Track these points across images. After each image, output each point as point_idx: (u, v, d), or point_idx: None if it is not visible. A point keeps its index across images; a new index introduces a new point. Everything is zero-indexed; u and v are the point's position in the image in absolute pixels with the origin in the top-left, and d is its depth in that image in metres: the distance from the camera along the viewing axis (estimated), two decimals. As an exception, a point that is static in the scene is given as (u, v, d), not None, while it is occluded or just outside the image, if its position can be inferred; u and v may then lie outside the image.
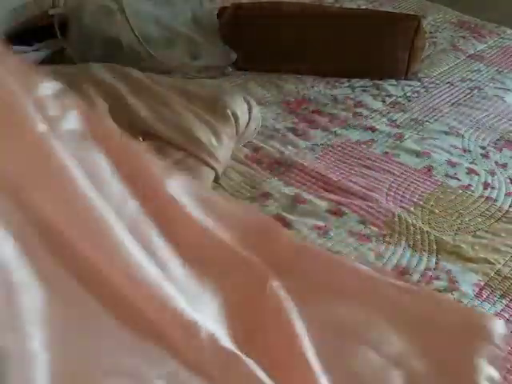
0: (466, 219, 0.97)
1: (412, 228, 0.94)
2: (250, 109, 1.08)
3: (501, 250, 0.91)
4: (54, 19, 1.29)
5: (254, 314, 0.74)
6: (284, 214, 0.95)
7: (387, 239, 0.92)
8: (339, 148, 1.11)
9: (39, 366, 0.58)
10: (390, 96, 1.31)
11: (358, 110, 1.25)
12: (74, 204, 0.65)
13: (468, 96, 1.34)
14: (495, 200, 1.00)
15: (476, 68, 1.47)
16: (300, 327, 0.73)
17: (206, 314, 0.70)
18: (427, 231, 0.93)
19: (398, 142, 1.15)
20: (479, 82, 1.40)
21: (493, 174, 1.07)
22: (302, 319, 0.73)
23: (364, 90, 1.33)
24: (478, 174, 1.06)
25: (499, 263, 0.89)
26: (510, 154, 1.14)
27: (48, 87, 0.73)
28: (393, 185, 1.01)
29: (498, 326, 0.76)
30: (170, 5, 1.42)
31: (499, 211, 0.99)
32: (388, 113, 1.25)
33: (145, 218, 0.73)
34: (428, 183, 1.03)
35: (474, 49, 1.56)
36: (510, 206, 0.99)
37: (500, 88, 1.38)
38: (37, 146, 0.65)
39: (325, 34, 1.34)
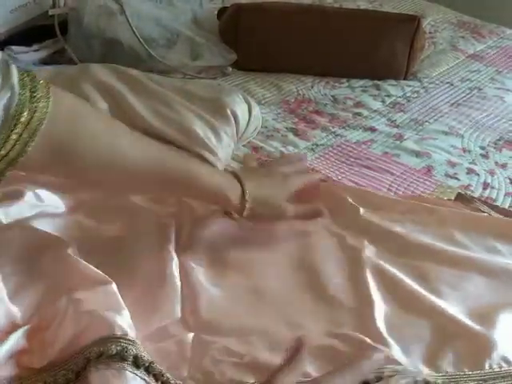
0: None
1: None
2: (250, 109, 1.08)
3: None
4: (54, 19, 1.29)
5: None
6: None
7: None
8: (339, 148, 1.11)
9: None
10: (389, 96, 1.32)
11: (358, 110, 1.25)
12: None
13: (468, 96, 1.34)
14: (495, 200, 1.00)
15: (476, 68, 1.47)
16: None
17: None
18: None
19: (398, 142, 1.15)
20: (479, 82, 1.40)
21: (492, 174, 1.07)
22: None
23: (364, 90, 1.33)
24: (477, 174, 1.06)
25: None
26: (509, 154, 1.14)
27: None
28: (393, 185, 1.01)
29: None
30: (171, 5, 1.42)
31: (499, 211, 0.99)
32: (388, 113, 1.25)
33: None
34: (428, 183, 1.03)
35: (474, 49, 1.56)
36: (509, 206, 0.99)
37: (500, 88, 1.38)
38: None
39: (324, 34, 1.34)
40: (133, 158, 0.70)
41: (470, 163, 1.10)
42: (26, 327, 0.64)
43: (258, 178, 0.83)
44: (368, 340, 0.67)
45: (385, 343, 0.67)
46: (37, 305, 0.68)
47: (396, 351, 0.67)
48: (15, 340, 0.61)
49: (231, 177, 0.80)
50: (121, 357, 0.57)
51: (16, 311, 0.67)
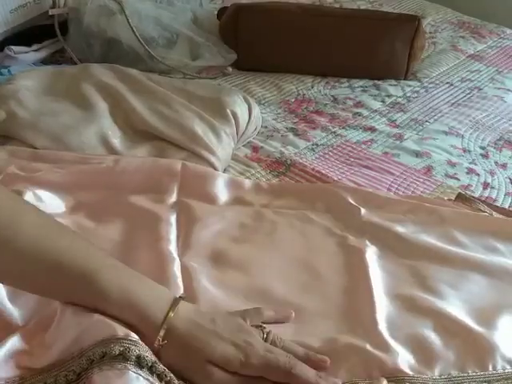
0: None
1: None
2: (250, 109, 1.08)
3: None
4: (54, 19, 1.29)
5: None
6: (284, 213, 0.94)
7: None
8: (339, 148, 1.11)
9: None
10: (389, 96, 1.32)
11: (358, 110, 1.25)
12: None
13: (468, 96, 1.34)
14: (495, 200, 1.00)
15: (476, 68, 1.47)
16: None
17: None
18: (427, 231, 0.93)
19: (398, 142, 1.15)
20: (479, 82, 1.40)
21: (493, 174, 1.07)
22: None
23: (364, 90, 1.33)
24: (477, 174, 1.06)
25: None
26: (509, 154, 1.14)
27: None
28: (393, 185, 1.01)
29: None
30: (171, 5, 1.42)
31: (499, 211, 0.99)
32: (388, 113, 1.25)
33: None
34: (428, 183, 1.03)
35: (474, 49, 1.57)
36: (509, 206, 0.99)
37: (500, 88, 1.38)
38: None
39: (325, 34, 1.34)
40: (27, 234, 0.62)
41: (470, 163, 1.10)
42: (24, 328, 0.64)
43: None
44: (369, 347, 0.66)
45: (387, 345, 0.67)
46: (36, 306, 0.68)
47: (398, 353, 0.66)
48: (14, 341, 0.61)
49: (165, 290, 0.64)
50: (124, 357, 0.56)
51: (15, 312, 0.67)
